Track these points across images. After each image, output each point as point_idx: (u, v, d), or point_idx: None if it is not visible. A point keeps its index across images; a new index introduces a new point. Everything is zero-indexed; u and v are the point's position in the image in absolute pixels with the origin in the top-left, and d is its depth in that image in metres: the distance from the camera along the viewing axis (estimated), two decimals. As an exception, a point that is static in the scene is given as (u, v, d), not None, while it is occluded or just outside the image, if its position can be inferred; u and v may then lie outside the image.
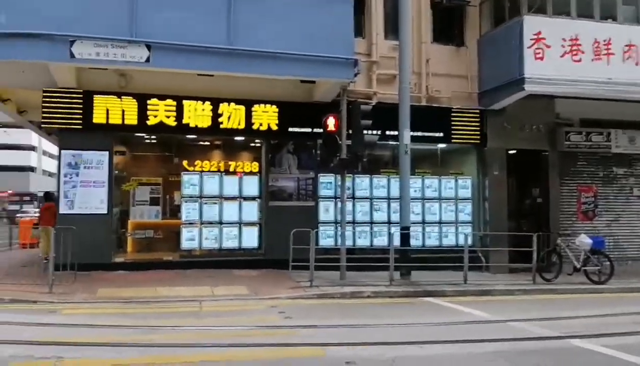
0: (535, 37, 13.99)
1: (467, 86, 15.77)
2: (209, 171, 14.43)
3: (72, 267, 11.56)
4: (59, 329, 8.05)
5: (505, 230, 15.14)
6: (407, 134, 13.24)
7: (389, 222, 15.21)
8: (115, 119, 13.29)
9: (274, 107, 14.14)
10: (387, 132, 14.56)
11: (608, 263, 13.51)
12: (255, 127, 14.03)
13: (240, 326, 8.35)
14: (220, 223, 14.34)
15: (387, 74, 15.07)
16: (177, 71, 12.31)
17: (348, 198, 14.07)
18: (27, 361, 6.27)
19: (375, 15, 15.16)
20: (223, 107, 13.83)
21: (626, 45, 14.62)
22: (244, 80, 12.89)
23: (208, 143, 15.40)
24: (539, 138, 15.88)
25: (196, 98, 13.68)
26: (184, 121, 13.62)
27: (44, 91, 12.98)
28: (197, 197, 14.27)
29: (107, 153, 13.41)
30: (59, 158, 13.30)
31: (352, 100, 13.62)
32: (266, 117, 14.09)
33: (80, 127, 13.14)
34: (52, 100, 13.04)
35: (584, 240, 13.75)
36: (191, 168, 14.35)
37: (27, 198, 63.12)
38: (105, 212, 13.31)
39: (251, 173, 14.68)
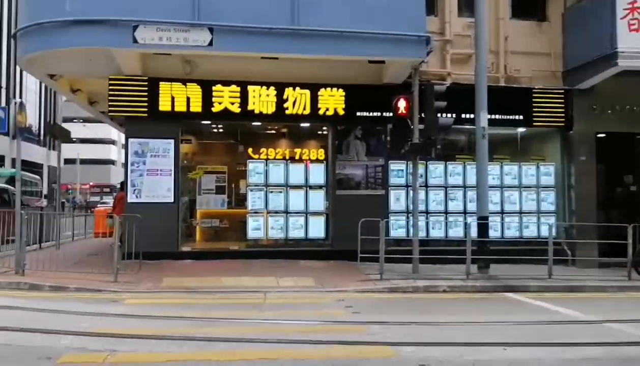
0: (630, 6, 12.58)
1: (550, 64, 14.54)
2: (274, 159, 14.00)
3: (138, 256, 11.42)
4: (118, 319, 7.78)
5: (593, 221, 13.82)
6: (484, 117, 12.24)
7: (465, 212, 14.27)
8: (180, 106, 13.06)
9: (341, 90, 13.50)
10: (463, 116, 13.63)
11: None
12: (321, 112, 13.45)
13: (305, 321, 7.79)
14: (286, 212, 13.89)
15: (462, 54, 14.11)
16: (241, 55, 11.90)
17: (421, 186, 13.25)
18: (79, 353, 5.96)
19: (448, -9, 14.21)
20: (288, 92, 13.32)
21: None
22: (309, 62, 12.35)
23: (273, 130, 14.96)
24: (632, 120, 14.36)
25: (260, 84, 13.25)
26: (249, 107, 13.22)
27: (110, 79, 12.92)
28: (263, 186, 13.88)
29: (173, 141, 13.23)
30: (126, 146, 13.23)
31: (425, 81, 12.77)
32: (333, 101, 13.47)
33: (146, 114, 13.01)
34: (118, 88, 12.97)
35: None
36: (256, 156, 13.96)
37: (107, 189, 65.95)
38: (172, 201, 13.15)
39: (317, 160, 14.13)
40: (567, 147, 14.54)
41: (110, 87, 12.97)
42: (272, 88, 13.29)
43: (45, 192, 39.79)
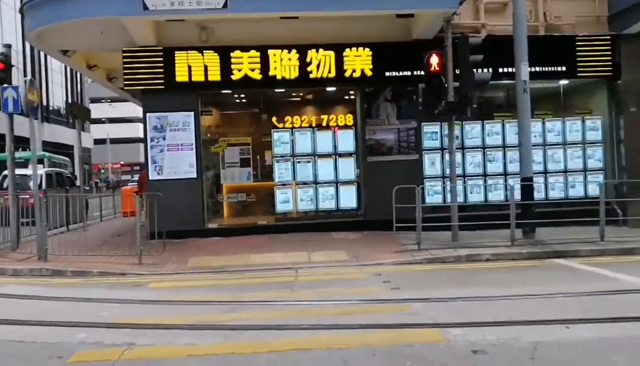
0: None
1: (594, 8, 13.41)
2: (300, 127, 13.26)
3: (162, 235, 10.92)
4: (140, 307, 7.25)
5: (646, 177, 12.79)
6: (525, 69, 11.24)
7: (505, 174, 13.39)
8: (198, 76, 12.39)
9: (368, 49, 12.61)
10: (500, 70, 12.65)
11: None
12: (347, 74, 12.60)
13: (340, 301, 7.12)
14: (315, 183, 13.20)
15: (496, 2, 13.11)
16: (258, 16, 11.18)
17: (457, 148, 12.35)
18: (95, 348, 5.41)
19: None
20: (311, 54, 12.50)
21: None
22: (333, 21, 11.55)
23: (298, 96, 14.19)
24: (689, 66, 13.17)
25: (281, 47, 12.46)
26: (270, 73, 12.46)
27: (124, 51, 12.30)
28: (290, 156, 13.19)
29: (192, 113, 12.63)
30: (144, 121, 12.65)
31: (458, 34, 11.78)
32: (359, 61, 12.60)
33: (163, 86, 12.40)
34: (133, 60, 12.35)
35: None
36: (281, 125, 13.24)
37: (137, 167, 66.31)
38: (195, 176, 12.60)
39: (346, 126, 13.32)
40: (615, 98, 13.43)
41: (125, 60, 12.36)
42: (293, 51, 12.47)
43: (76, 173, 39.90)
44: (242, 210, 13.86)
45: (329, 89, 13.45)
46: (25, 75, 40.45)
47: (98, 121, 64.20)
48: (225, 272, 9.61)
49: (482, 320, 5.93)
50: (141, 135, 13.40)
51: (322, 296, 7.48)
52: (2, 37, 32.19)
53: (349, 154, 13.29)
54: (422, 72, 11.69)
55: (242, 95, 14.18)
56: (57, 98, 47.99)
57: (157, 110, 12.54)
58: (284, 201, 13.15)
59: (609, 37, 13.17)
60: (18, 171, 19.11)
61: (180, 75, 12.36)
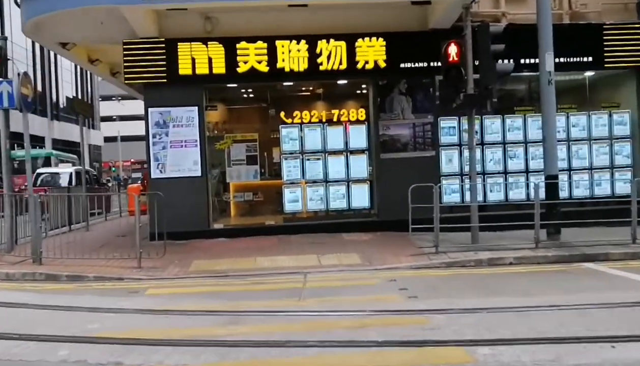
0: None
1: (622, -5, 12.60)
2: (309, 122, 12.59)
3: (166, 236, 10.36)
4: (134, 317, 6.62)
5: (678, 174, 12.02)
6: (549, 60, 10.50)
7: (527, 171, 12.66)
8: (202, 69, 11.78)
9: (381, 40, 11.93)
10: (521, 61, 11.90)
11: None
12: (359, 65, 11.93)
13: (353, 312, 6.44)
14: (326, 181, 12.53)
15: (518, -11, 12.30)
16: (266, 4, 10.60)
17: (476, 144, 11.58)
18: (76, 369, 4.79)
19: None
20: (321, 45, 11.83)
21: None
22: (344, 9, 10.97)
23: (307, 90, 13.54)
24: None
25: (290, 38, 11.82)
26: (278, 65, 11.81)
27: (124, 43, 11.73)
28: (299, 153, 12.53)
29: (196, 108, 12.03)
30: (145, 117, 12.06)
31: (477, 23, 11.03)
32: (372, 52, 11.92)
33: (166, 80, 11.82)
34: (133, 52, 11.78)
35: None
36: (289, 121, 12.57)
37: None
38: (199, 174, 12.00)
39: (358, 121, 12.63)
40: (645, 90, 12.63)
41: (125, 52, 11.78)
42: (302, 42, 11.82)
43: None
44: (248, 210, 13.24)
45: (340, 81, 12.81)
46: (34, 73, 40.28)
47: (109, 119, 63.98)
48: (229, 276, 8.98)
49: (514, 337, 5.23)
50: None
51: (332, 306, 6.82)
52: (11, 35, 31.87)
53: (362, 151, 12.60)
54: (439, 64, 11.03)
55: (249, 89, 13.61)
56: (67, 95, 47.64)
57: (159, 105, 11.96)
58: (293, 200, 12.49)
59: (638, 25, 12.39)
60: (48, 169, 20.94)
61: (184, 68, 11.76)
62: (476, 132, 11.78)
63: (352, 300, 7.18)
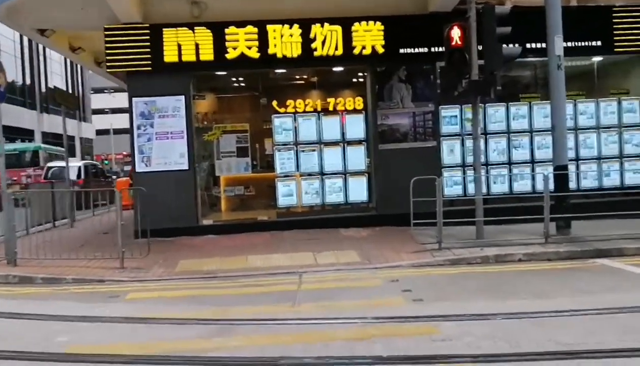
0: None
1: (633, -24, 11.95)
2: (304, 112, 11.88)
3: (151, 234, 9.75)
4: (110, 328, 5.97)
5: (691, 163, 11.44)
6: (559, 43, 9.86)
7: (532, 162, 12.03)
8: (189, 55, 11.08)
9: (379, 23, 11.26)
10: (527, 45, 11.24)
11: None
12: (356, 51, 11.26)
13: (351, 319, 5.79)
14: (322, 174, 11.87)
15: (523, -30, 11.63)
16: (255, -15, 9.78)
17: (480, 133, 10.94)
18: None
19: None
20: (315, 30, 11.15)
21: None
22: (339, -10, 10.15)
23: (301, 78, 12.87)
24: None
25: (282, 22, 11.14)
26: (270, 51, 11.12)
27: (105, 28, 11.01)
28: (292, 144, 11.85)
29: (183, 97, 11.35)
30: (129, 107, 11.36)
31: (481, 4, 10.37)
32: (369, 37, 11.24)
33: (150, 68, 11.12)
34: (116, 38, 11.07)
35: None
36: (282, 110, 11.86)
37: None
38: (187, 168, 11.33)
39: (355, 111, 11.95)
40: (656, 76, 12.02)
41: (107, 38, 11.07)
42: (295, 26, 11.14)
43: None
44: (240, 205, 12.59)
45: (335, 68, 12.12)
46: (23, 65, 39.35)
47: (101, 111, 63.13)
48: (218, 277, 8.34)
49: (537, 350, 4.61)
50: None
51: (330, 312, 6.19)
52: (-2, 26, 30.96)
53: (359, 142, 11.93)
54: (440, 49, 10.50)
55: (239, 77, 12.94)
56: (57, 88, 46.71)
57: (143, 95, 11.29)
58: (287, 194, 11.83)
59: (649, 7, 11.76)
60: (56, 163, 21.44)
61: (169, 55, 11.06)
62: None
63: (351, 304, 6.56)
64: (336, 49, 11.19)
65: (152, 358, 4.83)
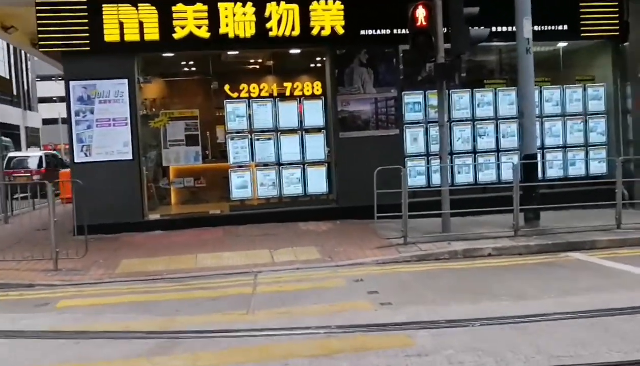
0: None
1: (600, -42, 11.55)
2: (258, 97, 11.06)
3: (92, 230, 8.87)
4: (31, 345, 5.11)
5: (657, 153, 11.18)
6: (527, 25, 9.39)
7: (498, 150, 11.57)
8: (132, 35, 10.12)
9: (338, 2, 10.54)
10: (492, 29, 10.66)
11: None
12: (314, 32, 10.51)
13: (314, 330, 5.11)
14: (279, 164, 11.10)
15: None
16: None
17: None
18: None
19: None
20: (270, 8, 10.34)
21: None
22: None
23: (256, 62, 12.07)
24: None
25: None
26: (221, 31, 10.26)
27: (37, 3, 9.92)
28: (247, 132, 11.03)
29: (126, 81, 10.39)
30: (66, 91, 10.34)
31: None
32: (329, 17, 10.51)
33: (88, 48, 10.08)
34: (49, 15, 9.97)
35: None
36: (235, 95, 11.01)
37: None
38: (131, 157, 10.39)
39: (314, 96, 11.19)
40: (621, 62, 11.68)
41: (39, 15, 9.99)
42: (249, 4, 10.30)
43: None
44: (190, 198, 11.71)
45: (292, 50, 11.35)
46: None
47: (48, 100, 60.44)
48: (164, 279, 7.54)
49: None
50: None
51: (290, 321, 5.49)
52: None
53: (318, 129, 11.20)
54: (404, 31, 9.88)
55: (189, 60, 12.02)
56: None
57: (82, 78, 10.27)
58: (241, 186, 11.01)
59: (615, -9, 11.41)
60: (17, 153, 21.80)
61: (110, 34, 10.07)
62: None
63: (313, 310, 5.88)
64: (293, 29, 10.41)
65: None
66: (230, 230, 10.27)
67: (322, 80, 11.22)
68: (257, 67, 12.24)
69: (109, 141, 10.32)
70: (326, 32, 10.51)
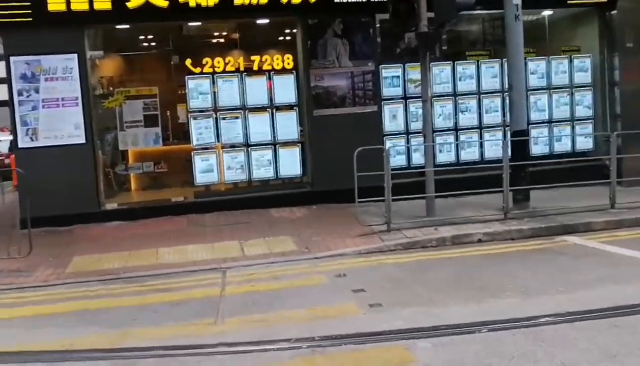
0: None
1: None
2: (224, 72, 10.08)
3: (43, 222, 7.95)
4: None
5: (646, 126, 10.63)
6: (516, -10, 8.64)
7: (480, 127, 10.88)
8: (79, 4, 9.03)
9: (311, -34, 9.59)
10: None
11: None
12: (284, 0, 9.57)
13: (294, 343, 4.33)
14: (247, 145, 10.18)
15: None
16: None
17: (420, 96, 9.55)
18: None
19: None
20: (235, -28, 9.36)
21: None
22: None
23: (220, 33, 11.03)
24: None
25: (195, -37, 9.25)
26: (181, -1, 9.25)
27: (-32, -33, 8.73)
28: (211, 111, 10.07)
29: (75, 56, 9.32)
30: (7, 68, 9.22)
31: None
32: (300, -18, 9.58)
33: (31, 19, 8.96)
34: (-17, -20, 8.80)
35: None
36: (198, 70, 9.99)
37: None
38: (84, 141, 9.38)
39: (284, 70, 10.26)
40: (609, 31, 11.03)
41: (-29, -20, 8.81)
42: (211, -33, 9.29)
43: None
44: (150, 184, 10.73)
45: (260, 20, 10.33)
46: None
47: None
48: (121, 279, 6.65)
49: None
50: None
51: (265, 332, 4.68)
52: None
53: (290, 107, 10.29)
54: (381, -1, 8.95)
55: (146, 33, 10.92)
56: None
57: (24, 53, 9.16)
58: (206, 170, 10.06)
59: (603, -45, 10.74)
60: None
61: (54, 3, 8.95)
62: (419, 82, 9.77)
63: (291, 315, 5.08)
64: (260, -4, 9.47)
65: None
66: (195, 219, 9.38)
67: (294, 53, 10.29)
68: (222, 40, 11.21)
69: (58, 123, 9.26)
70: (297, 0, 9.58)
